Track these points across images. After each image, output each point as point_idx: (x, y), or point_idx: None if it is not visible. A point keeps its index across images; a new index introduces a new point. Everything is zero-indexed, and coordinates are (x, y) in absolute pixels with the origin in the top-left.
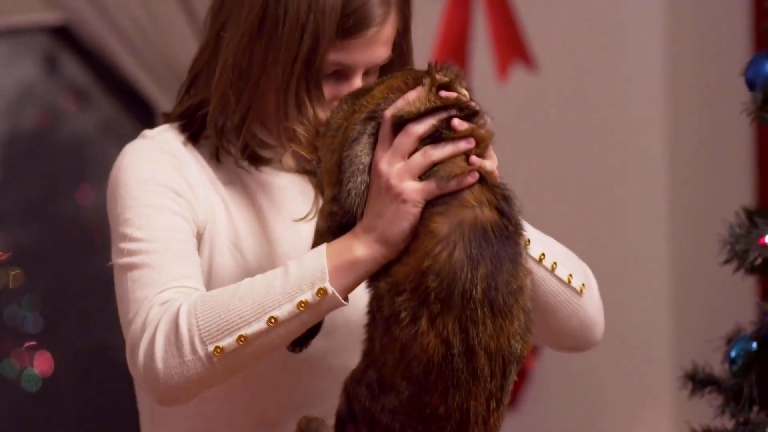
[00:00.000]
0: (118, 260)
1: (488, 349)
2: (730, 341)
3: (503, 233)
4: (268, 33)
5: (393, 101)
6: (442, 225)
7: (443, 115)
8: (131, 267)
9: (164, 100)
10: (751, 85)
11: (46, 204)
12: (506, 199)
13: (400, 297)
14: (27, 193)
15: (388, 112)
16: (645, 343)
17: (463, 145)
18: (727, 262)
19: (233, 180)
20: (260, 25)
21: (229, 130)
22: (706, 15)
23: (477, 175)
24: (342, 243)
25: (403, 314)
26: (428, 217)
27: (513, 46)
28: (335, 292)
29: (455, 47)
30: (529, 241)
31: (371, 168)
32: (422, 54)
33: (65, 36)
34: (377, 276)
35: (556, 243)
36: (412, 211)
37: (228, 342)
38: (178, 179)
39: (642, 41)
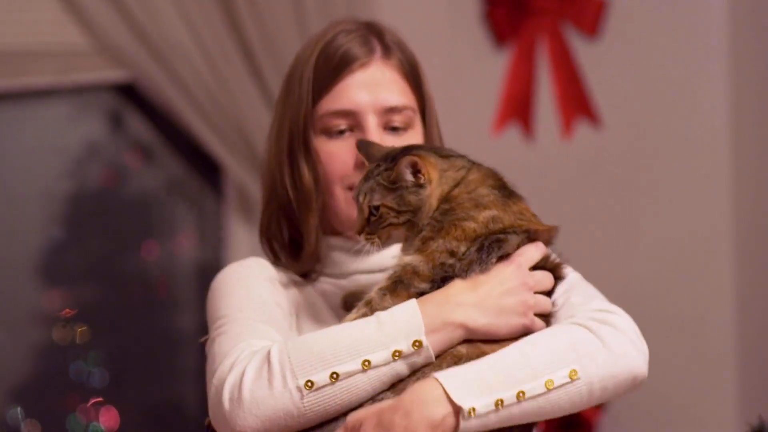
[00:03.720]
0: (210, 337)
1: None
2: None
3: None
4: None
5: None
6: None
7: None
8: (220, 333)
9: (230, 159)
10: None
11: (111, 261)
12: None
13: None
14: (93, 250)
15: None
16: (711, 398)
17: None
18: None
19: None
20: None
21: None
22: None
23: None
24: (438, 306)
25: None
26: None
27: (577, 103)
28: (429, 347)
29: (520, 103)
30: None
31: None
32: (488, 109)
33: (131, 94)
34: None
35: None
36: (533, 324)
37: (320, 377)
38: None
39: (707, 96)
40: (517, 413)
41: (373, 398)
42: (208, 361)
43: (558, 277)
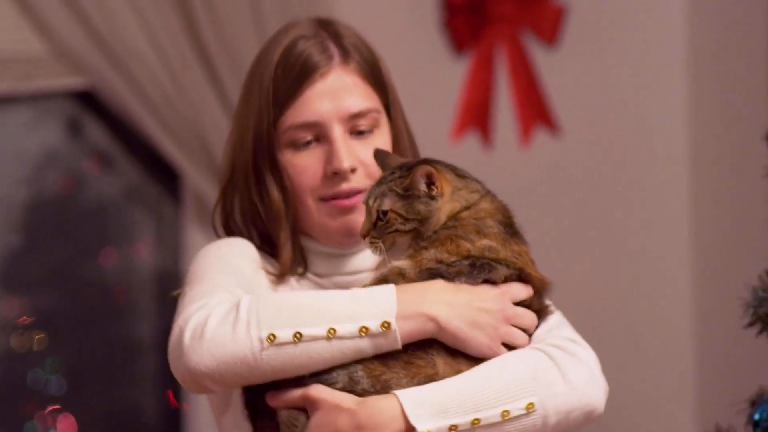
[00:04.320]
0: (183, 291)
1: None
2: (754, 404)
3: None
4: (231, 138)
5: None
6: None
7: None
8: (192, 288)
9: (188, 165)
10: None
11: (69, 268)
12: None
13: None
14: (50, 257)
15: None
16: (668, 406)
17: None
18: (750, 324)
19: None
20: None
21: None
22: (729, 80)
23: None
24: (415, 295)
25: None
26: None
27: (536, 111)
28: (397, 331)
29: (479, 110)
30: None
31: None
32: (446, 116)
33: (89, 100)
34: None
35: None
36: (498, 351)
37: (284, 333)
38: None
39: (665, 103)
40: None
41: (348, 371)
42: (177, 310)
43: (541, 318)
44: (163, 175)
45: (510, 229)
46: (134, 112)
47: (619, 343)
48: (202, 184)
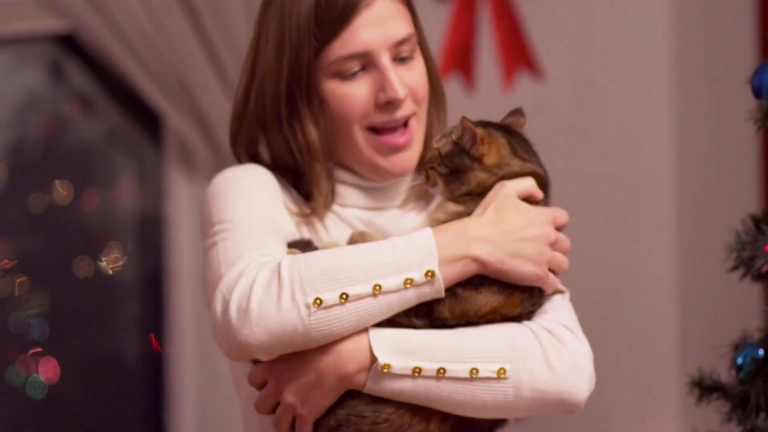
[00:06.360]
0: (206, 243)
1: None
2: (737, 348)
3: None
4: (258, 68)
5: None
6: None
7: None
8: (224, 240)
9: (170, 108)
10: (757, 92)
11: (51, 211)
12: None
13: None
14: (32, 200)
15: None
16: (652, 350)
17: None
18: (734, 269)
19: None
20: (253, 63)
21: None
22: (713, 22)
23: None
24: (454, 237)
25: None
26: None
27: (519, 54)
28: (440, 278)
29: (461, 54)
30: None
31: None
32: None
33: (70, 44)
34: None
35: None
36: (546, 277)
37: (329, 296)
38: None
39: (648, 48)
40: (434, 390)
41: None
42: (209, 267)
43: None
44: (145, 118)
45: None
46: (116, 55)
47: (601, 288)
48: (183, 127)
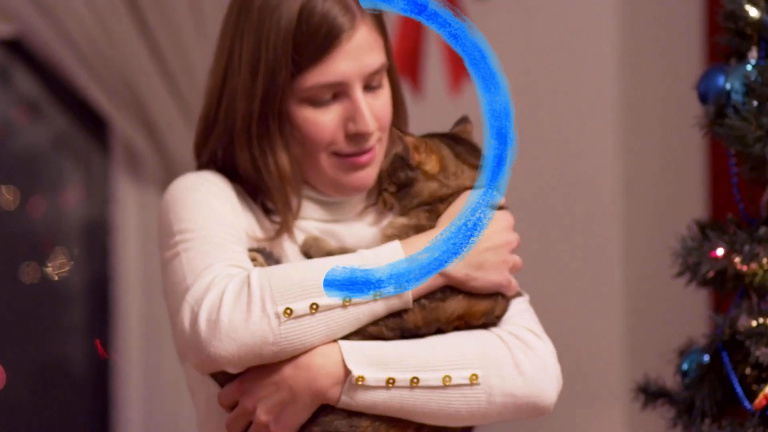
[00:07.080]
0: (168, 253)
1: None
2: (683, 354)
3: None
4: (229, 83)
5: None
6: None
7: None
8: (187, 250)
9: (117, 114)
10: (703, 98)
11: None
12: None
13: None
14: None
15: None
16: (597, 356)
17: None
18: (679, 274)
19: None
20: (224, 76)
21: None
22: (660, 27)
23: None
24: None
25: None
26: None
27: None
28: (409, 291)
29: (408, 59)
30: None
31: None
32: None
33: (17, 49)
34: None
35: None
36: (509, 281)
37: (300, 306)
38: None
39: (595, 53)
40: (409, 399)
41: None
42: (172, 278)
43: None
44: (92, 124)
45: None
46: (63, 60)
47: (547, 293)
48: (130, 132)
